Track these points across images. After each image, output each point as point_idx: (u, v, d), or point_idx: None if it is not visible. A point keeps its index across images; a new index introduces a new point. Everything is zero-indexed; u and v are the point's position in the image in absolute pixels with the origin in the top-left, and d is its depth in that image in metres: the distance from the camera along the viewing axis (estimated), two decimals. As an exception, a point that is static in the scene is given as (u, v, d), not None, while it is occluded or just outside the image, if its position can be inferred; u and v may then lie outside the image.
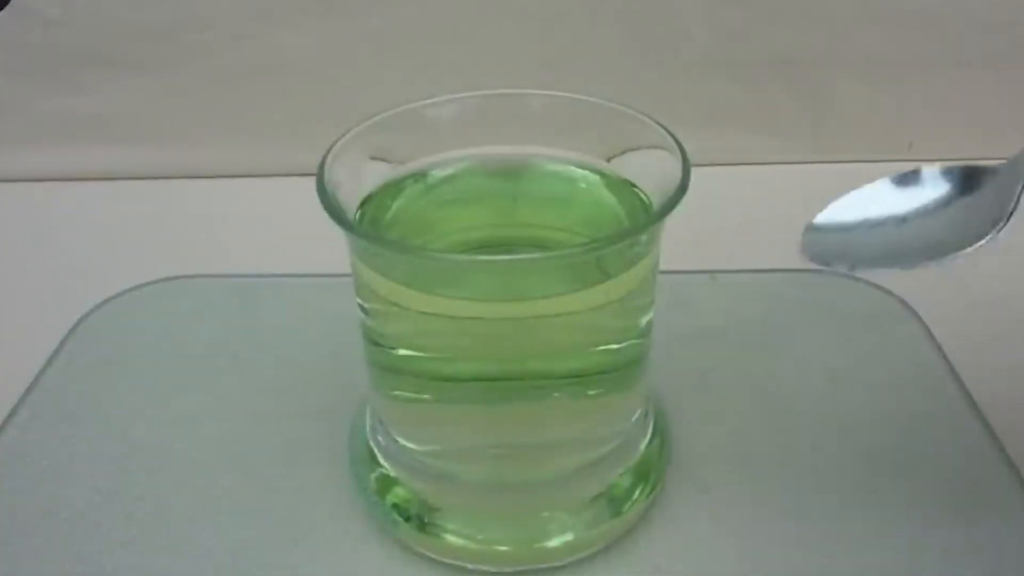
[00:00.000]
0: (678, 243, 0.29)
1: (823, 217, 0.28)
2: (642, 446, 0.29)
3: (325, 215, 0.23)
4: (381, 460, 0.28)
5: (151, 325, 0.38)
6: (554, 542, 0.27)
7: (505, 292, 0.24)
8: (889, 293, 0.38)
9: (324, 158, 0.25)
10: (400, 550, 0.28)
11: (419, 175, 0.29)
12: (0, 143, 0.51)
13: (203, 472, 0.31)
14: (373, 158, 0.27)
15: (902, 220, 0.27)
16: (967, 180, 0.27)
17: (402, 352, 0.26)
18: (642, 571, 0.27)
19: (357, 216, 0.26)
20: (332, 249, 0.27)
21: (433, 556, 0.27)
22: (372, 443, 0.29)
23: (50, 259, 0.45)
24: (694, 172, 0.24)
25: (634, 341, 0.27)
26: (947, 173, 0.27)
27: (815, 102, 0.50)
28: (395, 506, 0.28)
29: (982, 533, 0.28)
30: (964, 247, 0.24)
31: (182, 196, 0.50)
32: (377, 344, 0.27)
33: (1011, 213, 0.24)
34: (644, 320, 0.27)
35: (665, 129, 0.26)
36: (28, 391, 0.34)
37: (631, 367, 0.27)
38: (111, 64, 0.49)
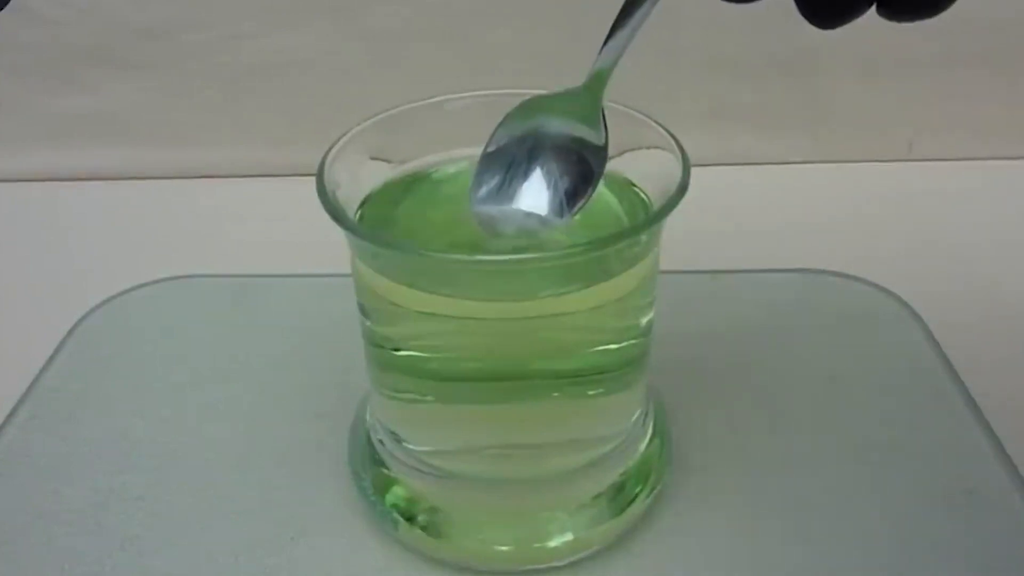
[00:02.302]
0: (678, 243, 0.29)
1: None
2: (642, 446, 0.29)
3: (325, 215, 0.23)
4: (381, 460, 0.28)
5: (151, 325, 0.38)
6: (554, 542, 0.27)
7: (505, 292, 0.24)
8: (889, 293, 0.38)
9: (324, 158, 0.25)
10: (400, 550, 0.28)
11: (419, 175, 0.29)
12: (0, 143, 0.51)
13: (203, 472, 0.31)
14: (373, 158, 0.27)
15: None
16: None
17: (402, 352, 0.26)
18: (642, 571, 0.27)
19: (357, 216, 0.26)
20: (332, 249, 0.27)
21: (433, 556, 0.27)
22: (372, 443, 0.29)
23: (50, 259, 0.45)
24: (694, 172, 0.24)
25: (634, 341, 0.27)
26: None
27: (815, 102, 0.50)
28: (395, 506, 0.28)
29: (981, 532, 0.28)
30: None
31: (182, 196, 0.50)
32: (377, 344, 0.27)
33: None
34: (644, 320, 0.27)
35: (665, 129, 0.26)
36: (28, 391, 0.34)
37: (631, 367, 0.27)
38: (111, 64, 0.49)
